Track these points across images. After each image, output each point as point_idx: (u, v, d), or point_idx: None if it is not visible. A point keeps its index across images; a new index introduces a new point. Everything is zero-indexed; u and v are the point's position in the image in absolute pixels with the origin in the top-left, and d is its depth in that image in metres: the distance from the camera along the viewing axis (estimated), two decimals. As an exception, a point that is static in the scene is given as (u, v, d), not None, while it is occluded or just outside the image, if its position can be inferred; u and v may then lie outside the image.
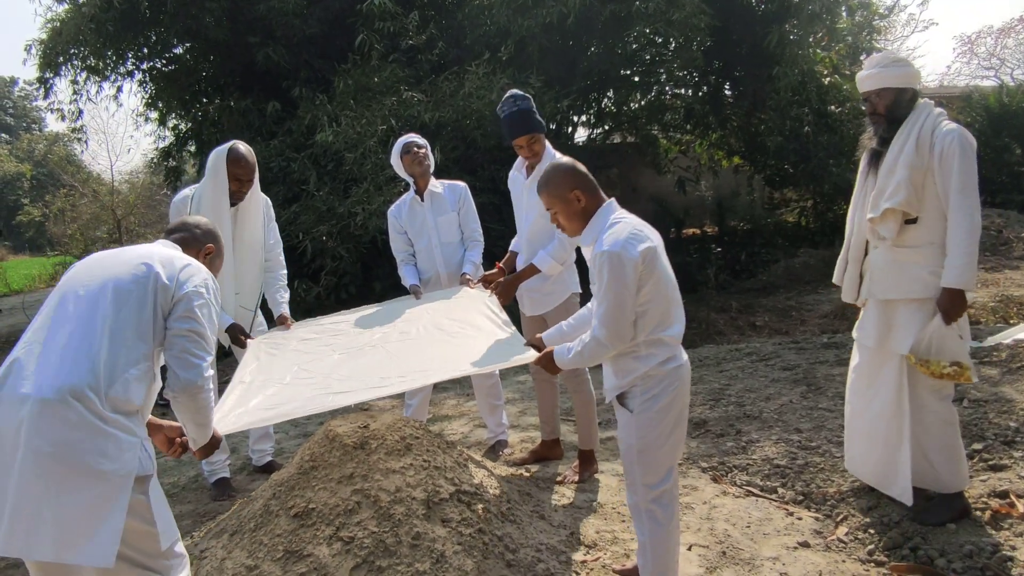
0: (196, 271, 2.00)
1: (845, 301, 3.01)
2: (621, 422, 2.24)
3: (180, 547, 1.96)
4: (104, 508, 1.66)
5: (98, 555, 1.66)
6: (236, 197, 3.31)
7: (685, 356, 2.21)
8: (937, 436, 2.68)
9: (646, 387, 2.13)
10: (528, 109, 3.10)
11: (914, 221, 2.65)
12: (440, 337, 3.03)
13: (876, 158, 2.78)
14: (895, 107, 2.71)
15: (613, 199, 2.27)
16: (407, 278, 3.72)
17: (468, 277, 3.59)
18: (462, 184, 3.82)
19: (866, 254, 2.87)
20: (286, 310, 3.56)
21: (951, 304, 2.53)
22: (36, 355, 1.78)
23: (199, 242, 2.20)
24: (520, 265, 3.36)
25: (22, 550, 1.63)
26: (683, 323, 2.22)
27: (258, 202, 3.48)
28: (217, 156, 3.27)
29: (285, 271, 3.70)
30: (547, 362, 2.35)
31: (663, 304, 2.13)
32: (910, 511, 2.73)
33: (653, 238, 2.14)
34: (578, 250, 3.04)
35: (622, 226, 2.12)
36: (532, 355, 2.52)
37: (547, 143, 3.22)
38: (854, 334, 2.96)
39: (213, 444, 2.12)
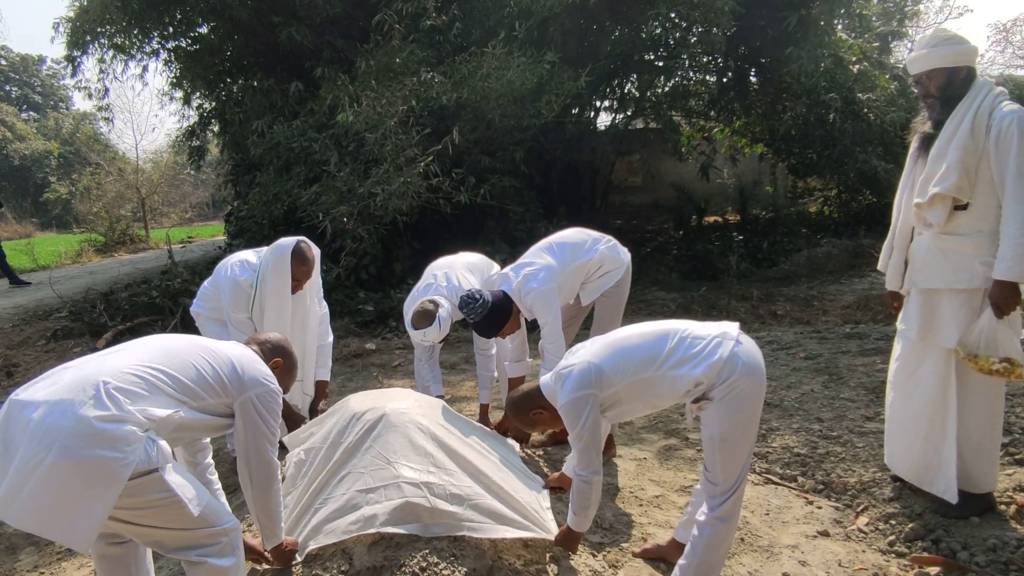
0: None
1: (889, 289, 2.90)
2: (704, 419, 2.15)
3: (226, 520, 1.95)
4: (89, 494, 1.63)
5: (72, 537, 1.64)
6: (296, 290, 3.34)
7: (731, 340, 2.09)
8: (976, 434, 2.58)
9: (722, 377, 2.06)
10: (479, 321, 3.05)
11: (964, 207, 2.51)
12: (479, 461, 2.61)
13: (928, 142, 2.62)
14: (947, 88, 2.55)
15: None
16: (433, 389, 3.65)
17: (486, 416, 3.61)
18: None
19: (911, 241, 2.75)
20: (326, 376, 3.60)
21: (1003, 297, 2.40)
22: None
23: (267, 358, 2.27)
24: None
25: (7, 515, 1.63)
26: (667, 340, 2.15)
27: (314, 286, 3.51)
28: (281, 255, 3.24)
29: (331, 338, 3.71)
30: (567, 541, 2.35)
31: (632, 397, 2.14)
32: (933, 503, 2.68)
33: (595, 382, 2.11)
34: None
35: (573, 374, 2.15)
36: (552, 534, 2.41)
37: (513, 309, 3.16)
38: (898, 324, 2.84)
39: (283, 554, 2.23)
